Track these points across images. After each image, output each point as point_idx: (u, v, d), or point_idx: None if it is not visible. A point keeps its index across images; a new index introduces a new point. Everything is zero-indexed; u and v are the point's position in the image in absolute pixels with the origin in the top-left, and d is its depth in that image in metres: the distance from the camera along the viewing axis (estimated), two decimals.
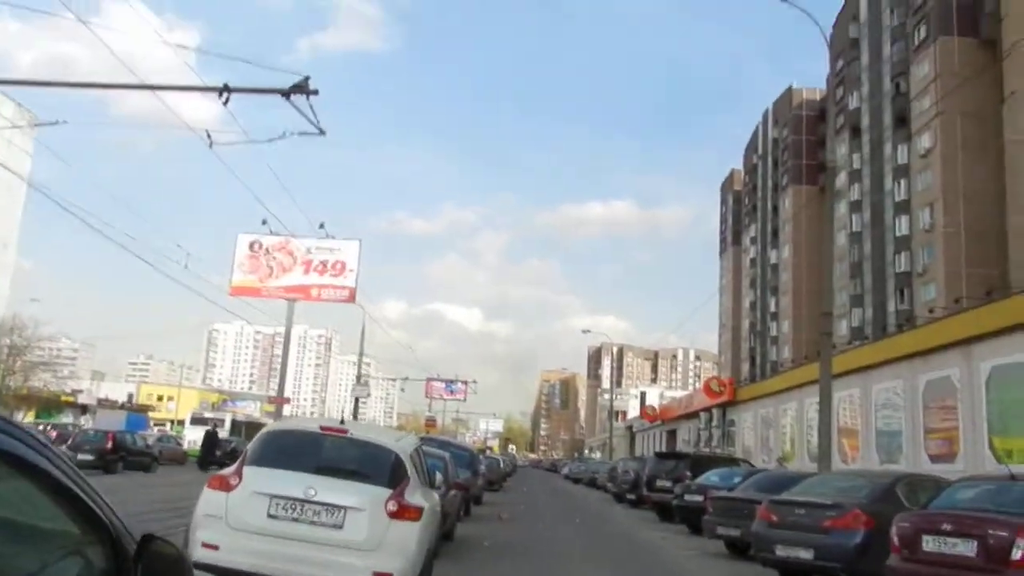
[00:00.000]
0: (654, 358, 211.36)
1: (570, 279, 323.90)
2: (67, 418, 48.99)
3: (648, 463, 25.72)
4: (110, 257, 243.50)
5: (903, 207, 53.41)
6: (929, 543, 7.78)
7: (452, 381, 71.10)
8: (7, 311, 53.95)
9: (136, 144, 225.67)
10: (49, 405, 50.74)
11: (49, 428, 39.53)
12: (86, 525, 1.78)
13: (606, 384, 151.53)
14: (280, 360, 44.74)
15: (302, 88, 12.00)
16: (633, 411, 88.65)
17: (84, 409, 51.63)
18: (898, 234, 53.82)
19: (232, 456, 24.95)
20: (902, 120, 54.08)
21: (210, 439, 33.50)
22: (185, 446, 38.47)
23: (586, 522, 19.86)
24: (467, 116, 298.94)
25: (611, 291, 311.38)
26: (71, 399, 54.80)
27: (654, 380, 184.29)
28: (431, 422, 69.92)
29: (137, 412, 53.73)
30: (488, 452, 53.98)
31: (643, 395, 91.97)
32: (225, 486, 6.20)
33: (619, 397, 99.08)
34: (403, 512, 6.27)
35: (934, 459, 20.21)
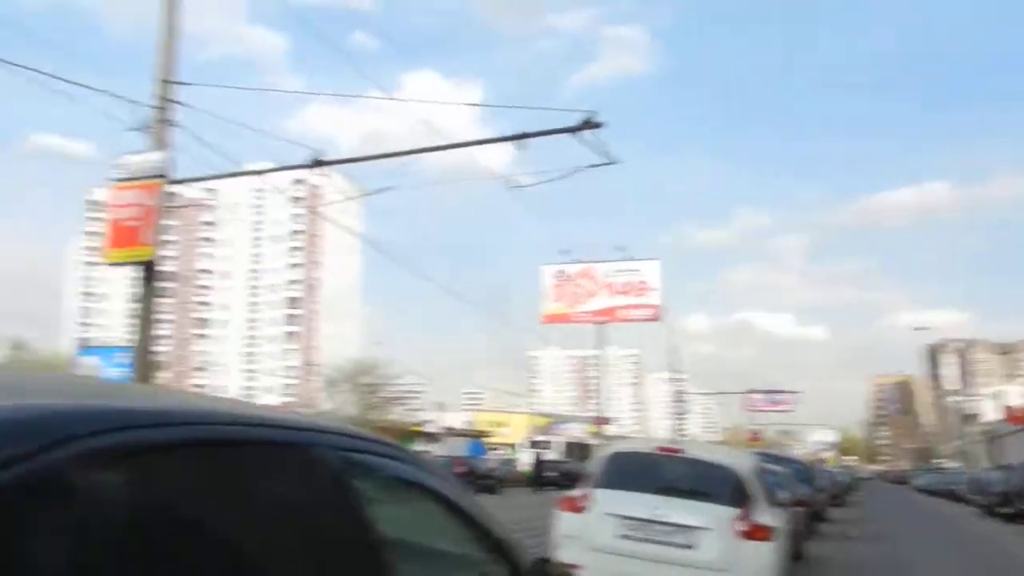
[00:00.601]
0: (1009, 351, 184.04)
1: (889, 273, 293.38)
2: (420, 447, 54.64)
3: (1020, 472, 22.41)
4: (437, 299, 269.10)
5: None
6: None
7: (775, 392, 67.88)
8: (359, 355, 62.34)
9: (445, 196, 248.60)
10: (403, 436, 57.04)
11: None
12: (490, 549, 1.94)
13: (948, 385, 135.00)
14: (595, 382, 46.16)
15: (590, 124, 12.51)
16: (988, 413, 77.77)
17: (433, 437, 57.26)
18: None
19: (569, 478, 26.11)
20: None
21: (539, 461, 35.87)
22: (521, 468, 40.94)
23: (953, 540, 17.73)
24: (746, 118, 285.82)
25: (940, 281, 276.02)
26: (419, 429, 61.10)
27: (1010, 376, 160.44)
28: (755, 436, 67.29)
29: (475, 438, 58.41)
30: (822, 465, 50.64)
31: (1000, 395, 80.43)
32: (577, 508, 6.49)
33: (969, 398, 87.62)
34: (754, 532, 6.10)
35: None
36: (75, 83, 11.40)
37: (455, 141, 15.26)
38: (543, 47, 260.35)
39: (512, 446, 56.85)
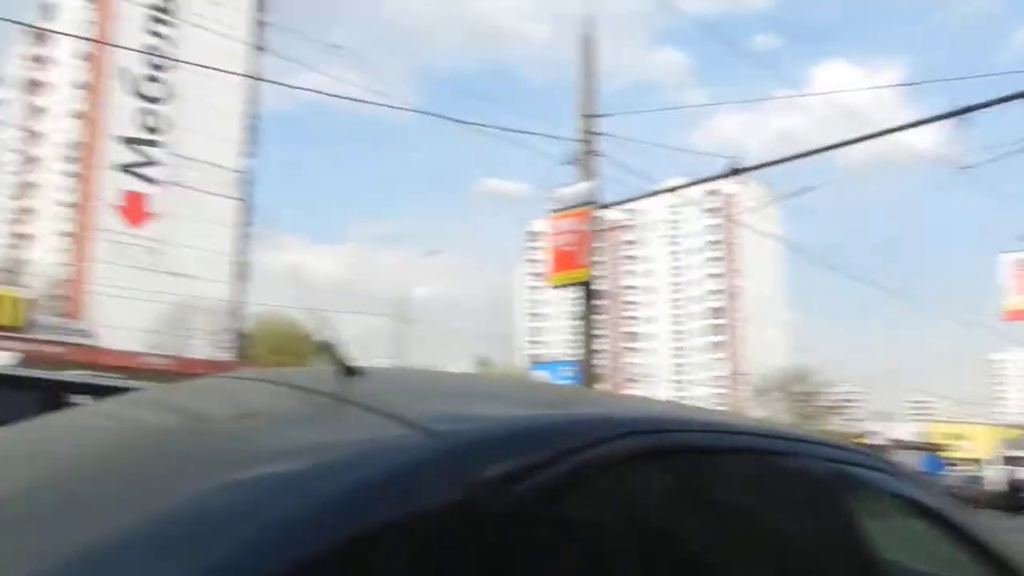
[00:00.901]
0: None
1: None
2: None
3: None
4: (870, 300, 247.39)
5: None
6: None
7: None
8: (788, 362, 59.98)
9: (870, 188, 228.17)
10: None
11: None
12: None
13: None
14: None
15: None
16: None
17: (879, 451, 52.90)
18: None
19: None
20: None
21: (1014, 480, 31.17)
22: (990, 487, 35.73)
23: None
24: None
25: None
26: (861, 441, 56.70)
27: None
28: None
29: (930, 452, 52.49)
30: None
31: None
32: None
33: None
34: None
35: None
36: (510, 130, 13.04)
37: (876, 128, 14.01)
38: (970, 7, 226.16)
39: (977, 461, 49.90)
